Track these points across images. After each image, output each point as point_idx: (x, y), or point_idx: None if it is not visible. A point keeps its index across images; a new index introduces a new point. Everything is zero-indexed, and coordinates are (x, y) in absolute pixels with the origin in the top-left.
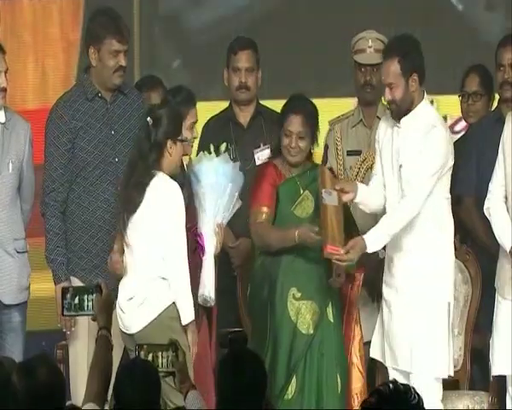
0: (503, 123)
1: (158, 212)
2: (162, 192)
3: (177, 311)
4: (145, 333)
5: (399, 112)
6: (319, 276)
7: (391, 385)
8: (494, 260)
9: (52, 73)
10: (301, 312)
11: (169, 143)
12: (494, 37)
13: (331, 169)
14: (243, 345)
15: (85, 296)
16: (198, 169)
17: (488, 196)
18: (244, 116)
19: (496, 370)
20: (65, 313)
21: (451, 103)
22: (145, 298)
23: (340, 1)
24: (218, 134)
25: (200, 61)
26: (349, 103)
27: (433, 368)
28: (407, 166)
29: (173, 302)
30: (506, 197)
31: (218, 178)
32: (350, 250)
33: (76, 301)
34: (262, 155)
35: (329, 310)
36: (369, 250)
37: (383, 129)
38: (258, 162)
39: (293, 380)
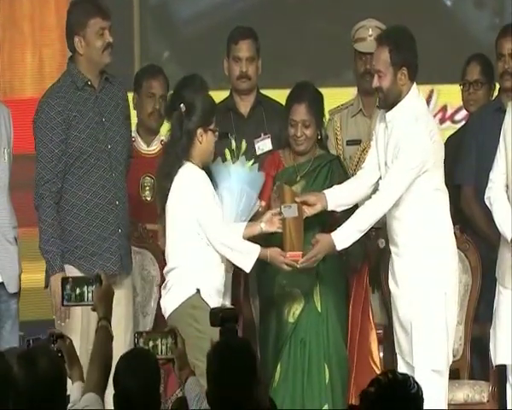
0: (504, 112)
1: (181, 201)
2: (185, 181)
3: (202, 299)
4: (171, 319)
5: (385, 101)
6: None
7: (390, 375)
8: (494, 249)
9: (48, 62)
10: (286, 299)
11: (199, 131)
12: (482, 33)
13: (337, 158)
14: (233, 325)
15: (85, 287)
16: (216, 174)
17: (489, 185)
18: (244, 106)
19: (497, 359)
20: (65, 303)
21: (452, 93)
22: (172, 285)
23: None
24: (219, 124)
25: (189, 51)
26: (348, 93)
27: (432, 360)
28: (390, 164)
29: (197, 291)
30: (507, 186)
31: (232, 183)
32: (315, 245)
33: (77, 292)
34: (263, 145)
35: (317, 299)
36: (338, 248)
37: (378, 122)
38: (258, 152)
39: (279, 368)
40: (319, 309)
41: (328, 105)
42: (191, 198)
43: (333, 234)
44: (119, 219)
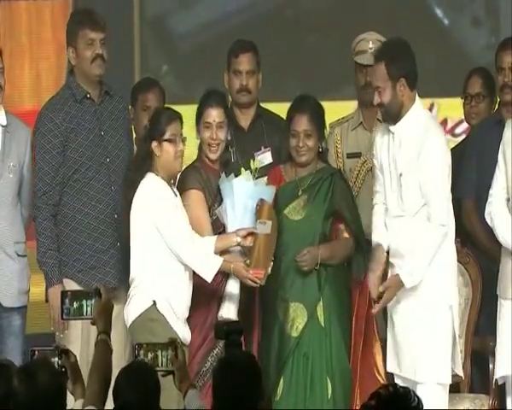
0: (504, 126)
1: (141, 211)
2: (145, 192)
3: (159, 312)
4: (131, 330)
5: (389, 115)
6: (308, 278)
7: (390, 388)
8: (494, 262)
9: (45, 75)
10: (289, 313)
11: (154, 144)
12: (479, 52)
13: (339, 171)
14: (238, 337)
15: (84, 301)
16: (221, 188)
17: (489, 199)
18: (245, 119)
19: (500, 371)
20: (64, 317)
21: (452, 106)
22: (133, 296)
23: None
24: None
25: (187, 64)
26: (347, 106)
27: (436, 373)
28: (407, 175)
29: (154, 303)
30: (508, 200)
31: (236, 197)
32: (388, 289)
33: (75, 306)
34: (263, 158)
35: (321, 314)
36: (408, 286)
37: (380, 136)
38: (258, 165)
39: (281, 382)
40: (322, 324)
41: (328, 119)
42: (150, 209)
43: (401, 273)
44: (118, 233)
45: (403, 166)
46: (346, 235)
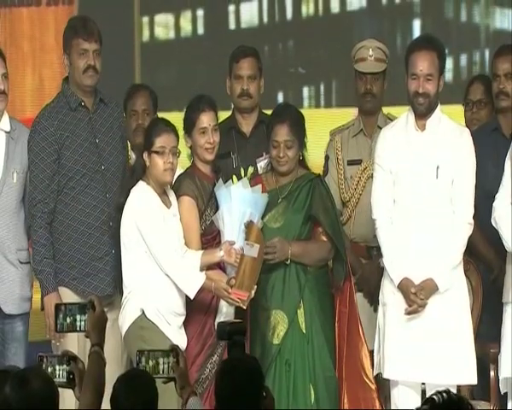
0: (501, 132)
1: (128, 220)
2: (132, 202)
3: (149, 320)
4: (125, 340)
5: (429, 107)
6: (287, 285)
7: (444, 394)
8: (493, 270)
9: (48, 83)
10: (270, 321)
11: (145, 154)
12: None
13: (318, 177)
14: (241, 338)
15: (78, 316)
16: (217, 194)
17: (494, 204)
18: (247, 124)
19: (503, 372)
20: (58, 330)
21: (453, 113)
22: (125, 305)
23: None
24: (221, 142)
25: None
26: (349, 114)
27: (463, 374)
28: (444, 167)
29: (143, 312)
30: None
31: (234, 204)
32: (420, 292)
33: (68, 321)
34: (264, 164)
35: (302, 320)
36: (442, 290)
37: (390, 141)
38: (260, 171)
39: None
40: (304, 330)
41: (329, 126)
42: (136, 218)
43: (435, 277)
44: (113, 240)
45: (441, 159)
46: (323, 238)
